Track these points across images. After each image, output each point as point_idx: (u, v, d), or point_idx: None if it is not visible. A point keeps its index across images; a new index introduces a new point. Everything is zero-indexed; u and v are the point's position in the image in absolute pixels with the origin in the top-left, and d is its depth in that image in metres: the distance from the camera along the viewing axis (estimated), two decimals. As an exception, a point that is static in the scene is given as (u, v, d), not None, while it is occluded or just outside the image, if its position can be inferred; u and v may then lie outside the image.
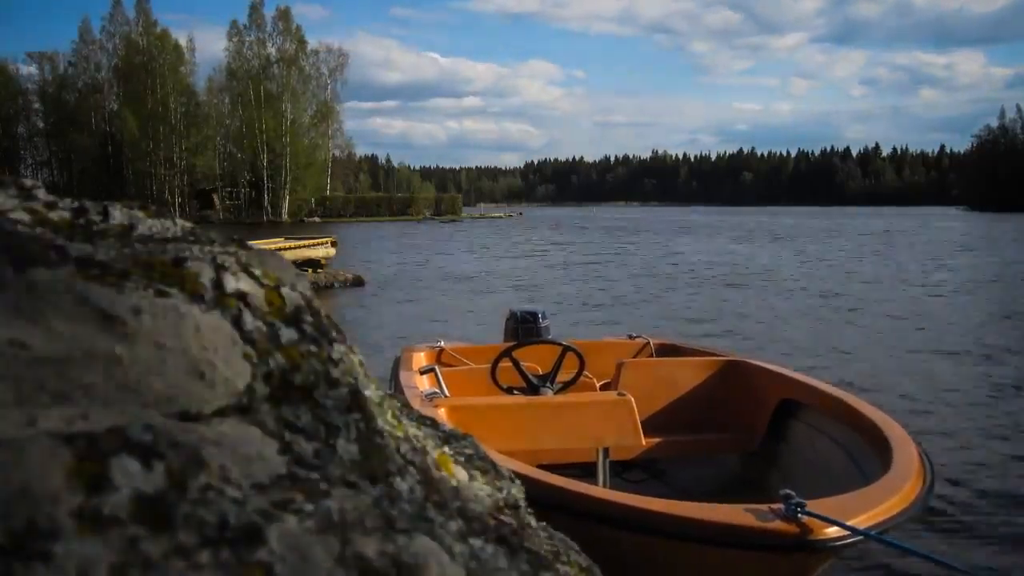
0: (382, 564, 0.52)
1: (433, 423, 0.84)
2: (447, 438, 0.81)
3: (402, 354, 4.90)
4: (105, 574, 0.43)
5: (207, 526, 0.47)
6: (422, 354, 4.94)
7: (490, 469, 0.78)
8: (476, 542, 0.62)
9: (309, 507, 0.52)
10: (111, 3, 60.32)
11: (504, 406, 3.64)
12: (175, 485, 0.48)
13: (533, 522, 0.74)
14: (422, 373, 4.21)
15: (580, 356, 4.05)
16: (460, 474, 0.73)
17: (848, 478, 3.07)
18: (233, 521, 0.48)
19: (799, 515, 2.19)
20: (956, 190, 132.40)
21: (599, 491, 2.73)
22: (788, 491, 2.24)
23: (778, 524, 2.20)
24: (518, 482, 0.80)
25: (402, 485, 0.62)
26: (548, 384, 4.04)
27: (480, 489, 0.72)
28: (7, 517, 0.43)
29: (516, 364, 4.03)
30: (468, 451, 0.81)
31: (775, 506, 2.25)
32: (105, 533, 0.44)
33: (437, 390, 3.90)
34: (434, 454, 0.72)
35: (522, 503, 0.76)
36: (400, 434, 0.69)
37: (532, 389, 3.98)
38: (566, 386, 4.08)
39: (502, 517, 0.70)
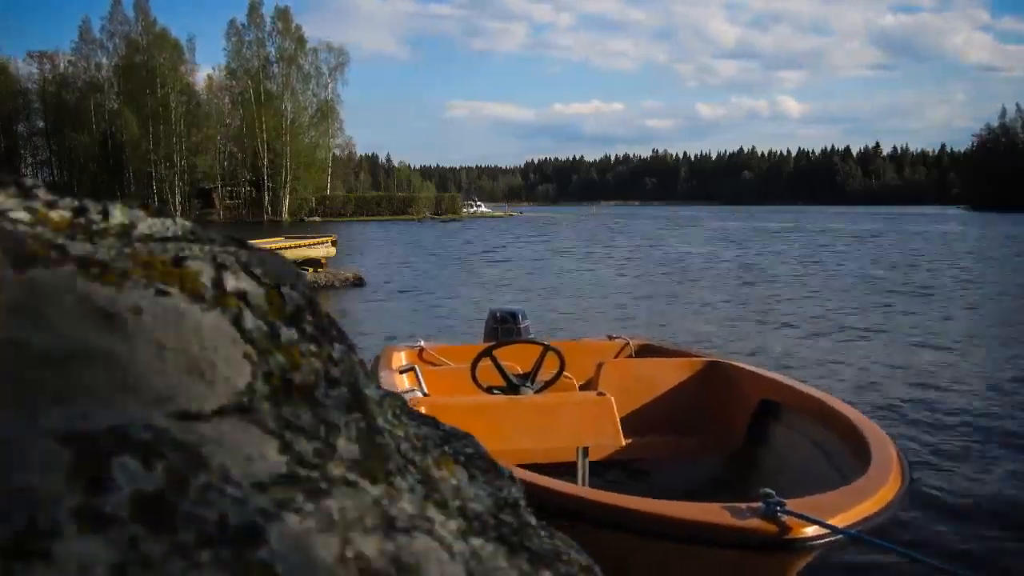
0: (382, 563, 0.52)
1: (434, 422, 0.84)
2: (447, 437, 0.81)
3: (382, 353, 4.89)
4: (105, 574, 0.43)
5: (207, 525, 0.47)
6: (402, 353, 4.93)
7: (490, 468, 0.78)
8: (476, 541, 0.62)
9: (309, 506, 0.52)
10: (111, 3, 60.40)
11: (484, 406, 3.61)
12: (175, 484, 0.48)
13: (533, 521, 0.74)
14: (402, 372, 4.19)
15: (560, 356, 4.04)
16: (460, 473, 0.73)
17: (827, 478, 3.08)
18: (233, 520, 0.48)
19: (779, 514, 2.19)
20: (956, 189, 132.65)
21: (575, 489, 2.72)
22: (768, 490, 2.25)
23: (758, 523, 2.20)
24: (518, 481, 0.80)
25: (402, 484, 0.62)
26: (528, 384, 4.02)
27: (480, 488, 0.72)
28: (7, 517, 0.43)
29: (496, 364, 4.01)
30: (468, 450, 0.81)
31: (754, 505, 2.25)
32: (105, 532, 0.44)
33: (416, 389, 3.89)
34: (434, 453, 0.72)
35: (522, 502, 0.76)
36: (400, 433, 0.69)
37: (512, 389, 3.96)
38: (546, 386, 4.06)
39: (502, 516, 0.70)
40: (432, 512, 0.60)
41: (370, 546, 0.52)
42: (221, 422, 0.54)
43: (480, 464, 0.78)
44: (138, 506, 0.46)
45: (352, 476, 0.58)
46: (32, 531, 0.43)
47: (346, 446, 0.60)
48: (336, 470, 0.57)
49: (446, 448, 0.77)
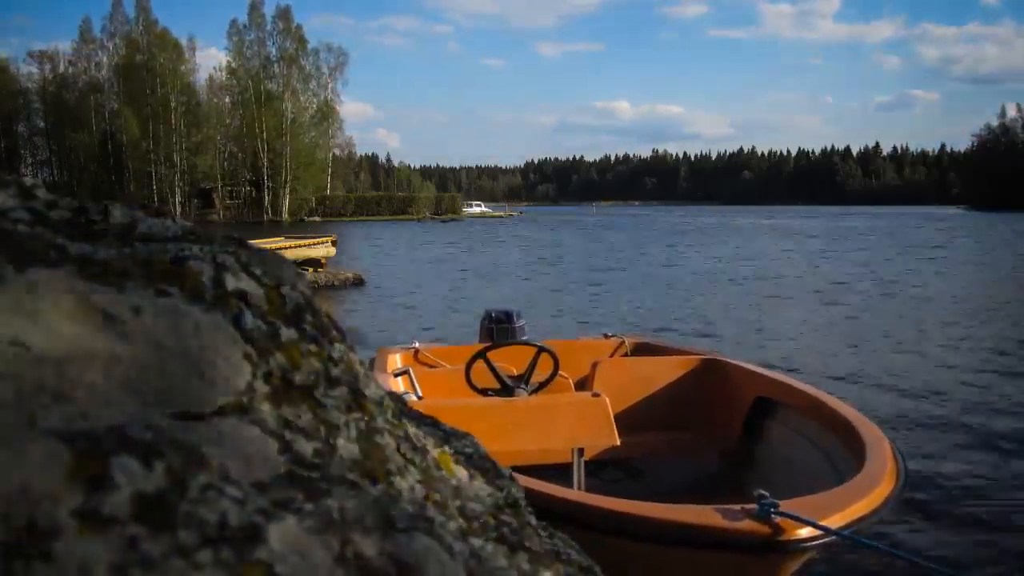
0: (382, 563, 0.52)
1: (433, 422, 0.84)
2: (447, 437, 0.82)
3: (376, 355, 4.87)
4: (105, 573, 0.43)
5: (207, 525, 0.47)
6: (397, 356, 4.90)
7: (490, 468, 0.78)
8: (476, 541, 0.62)
9: (309, 506, 0.52)
10: (111, 3, 60.50)
11: (478, 408, 3.58)
12: (175, 484, 0.48)
13: (533, 521, 0.74)
14: (396, 375, 4.16)
15: (554, 356, 4.01)
16: (460, 473, 0.73)
17: (822, 477, 3.07)
18: (233, 520, 0.48)
19: (772, 515, 2.18)
20: (956, 189, 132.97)
21: (568, 492, 2.70)
22: (761, 491, 2.24)
23: (751, 525, 2.19)
24: (518, 482, 0.80)
25: (402, 484, 0.62)
26: (522, 385, 3.99)
27: (480, 488, 0.72)
28: (7, 517, 0.43)
29: (490, 365, 4.00)
30: (468, 450, 0.81)
31: (748, 507, 2.24)
32: (105, 532, 0.44)
33: (410, 392, 3.88)
34: (434, 453, 0.72)
35: (522, 502, 0.76)
36: (400, 433, 0.69)
37: (506, 390, 3.92)
38: (541, 387, 4.04)
39: (502, 516, 0.70)
40: (432, 512, 0.60)
41: (370, 546, 0.52)
42: (221, 422, 0.54)
43: (480, 464, 0.78)
44: (138, 506, 0.46)
45: (352, 476, 0.58)
46: (32, 531, 0.43)
47: (346, 446, 0.60)
48: (336, 470, 0.57)
49: (446, 448, 0.77)
